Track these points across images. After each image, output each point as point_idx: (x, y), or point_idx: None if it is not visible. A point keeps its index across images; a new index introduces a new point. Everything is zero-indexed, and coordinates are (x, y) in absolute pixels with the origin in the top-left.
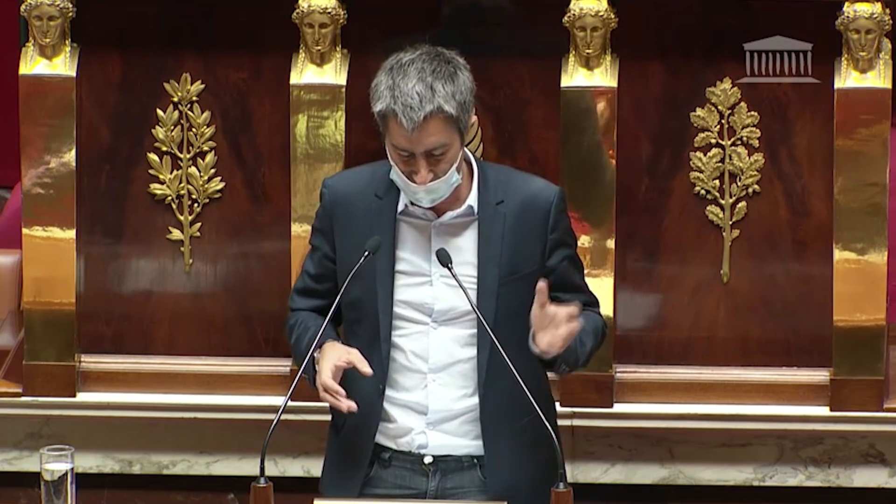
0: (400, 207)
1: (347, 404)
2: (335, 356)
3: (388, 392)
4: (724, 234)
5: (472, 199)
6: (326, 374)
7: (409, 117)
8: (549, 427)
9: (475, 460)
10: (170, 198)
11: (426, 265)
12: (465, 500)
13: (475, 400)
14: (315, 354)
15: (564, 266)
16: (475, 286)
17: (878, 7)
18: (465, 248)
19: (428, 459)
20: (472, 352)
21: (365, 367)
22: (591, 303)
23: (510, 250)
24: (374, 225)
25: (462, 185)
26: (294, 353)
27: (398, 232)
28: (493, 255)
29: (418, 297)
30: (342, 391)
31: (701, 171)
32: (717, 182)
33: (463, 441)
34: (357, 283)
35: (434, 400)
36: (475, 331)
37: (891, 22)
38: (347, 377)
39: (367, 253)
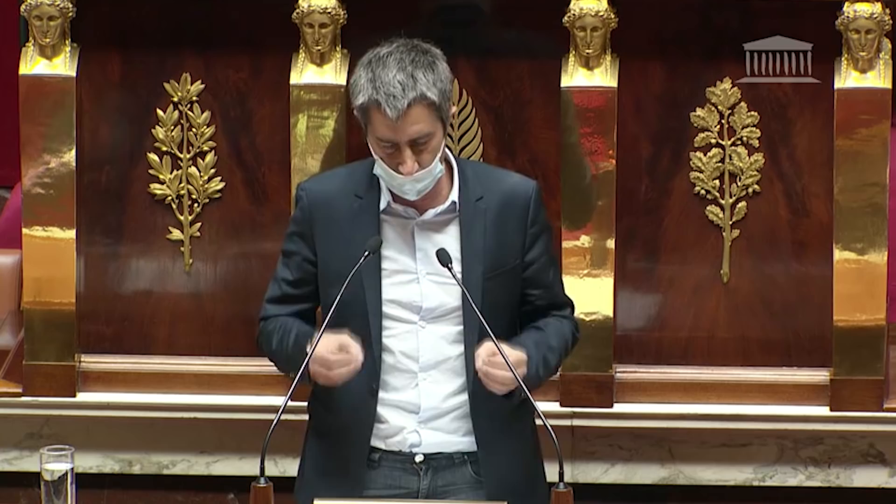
0: (382, 206)
1: (356, 354)
2: (324, 344)
3: (380, 393)
4: (724, 234)
5: (454, 196)
6: (323, 349)
7: (393, 106)
8: (543, 419)
9: (466, 457)
10: (170, 198)
11: (412, 263)
12: (465, 501)
13: (465, 396)
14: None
15: (543, 261)
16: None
17: (878, 7)
18: (449, 245)
19: (419, 458)
20: (460, 349)
21: (358, 355)
22: (563, 303)
23: (493, 246)
24: (357, 225)
25: (443, 181)
26: (278, 355)
27: (381, 231)
28: (477, 250)
29: (406, 295)
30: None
31: (701, 171)
32: (717, 182)
33: (454, 438)
34: (341, 285)
35: (426, 398)
36: (462, 327)
37: (891, 22)
38: None
39: (367, 253)
